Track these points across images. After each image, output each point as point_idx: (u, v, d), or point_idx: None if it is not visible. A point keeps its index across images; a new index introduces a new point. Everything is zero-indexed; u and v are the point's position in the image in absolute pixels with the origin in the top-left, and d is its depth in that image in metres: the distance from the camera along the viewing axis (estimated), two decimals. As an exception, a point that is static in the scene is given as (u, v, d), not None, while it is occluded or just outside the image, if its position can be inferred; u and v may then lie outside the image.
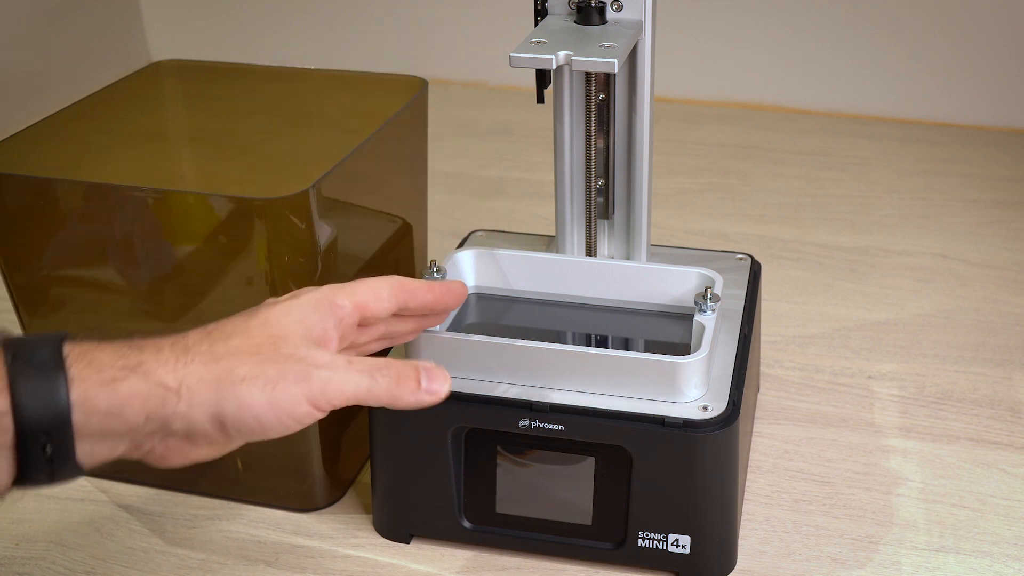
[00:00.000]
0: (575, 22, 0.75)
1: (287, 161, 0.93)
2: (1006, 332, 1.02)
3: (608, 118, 0.80)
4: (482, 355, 0.72)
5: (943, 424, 0.90)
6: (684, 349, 0.75)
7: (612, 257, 0.85)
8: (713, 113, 1.55)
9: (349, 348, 0.64)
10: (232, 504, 0.82)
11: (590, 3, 0.74)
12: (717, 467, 0.70)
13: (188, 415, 0.53)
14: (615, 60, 0.68)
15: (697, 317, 0.74)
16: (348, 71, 0.94)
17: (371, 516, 0.80)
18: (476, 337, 0.73)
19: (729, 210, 1.26)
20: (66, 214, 0.75)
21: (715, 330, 0.74)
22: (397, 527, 0.78)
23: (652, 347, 0.77)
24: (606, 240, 0.85)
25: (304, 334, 0.57)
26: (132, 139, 0.93)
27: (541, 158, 1.38)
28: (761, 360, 0.96)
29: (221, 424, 0.54)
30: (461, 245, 0.88)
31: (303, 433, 0.78)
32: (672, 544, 0.72)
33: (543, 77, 0.75)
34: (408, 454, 0.74)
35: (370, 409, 0.75)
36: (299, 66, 0.96)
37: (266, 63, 0.97)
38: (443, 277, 0.78)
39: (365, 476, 0.84)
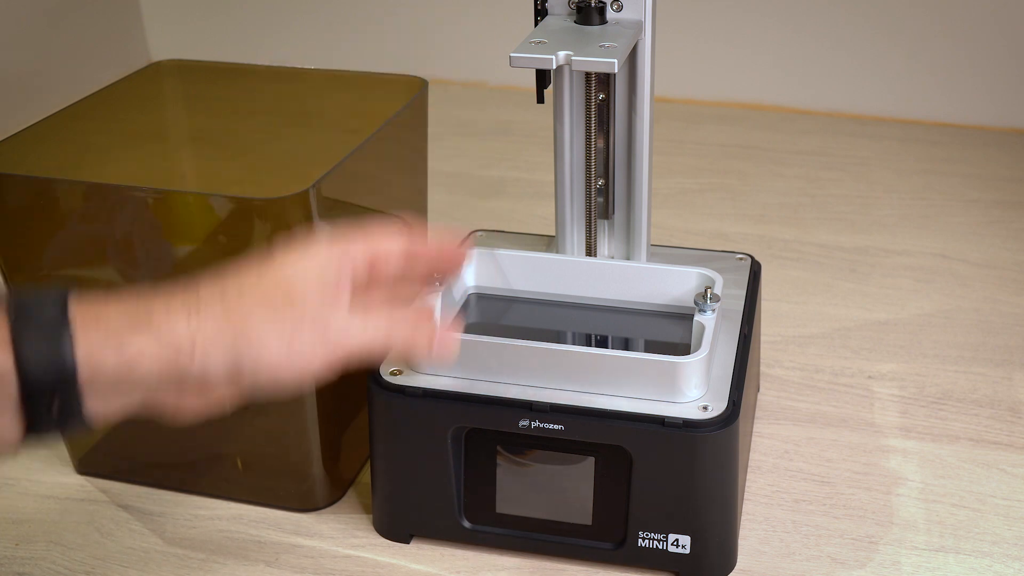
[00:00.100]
0: (575, 22, 0.75)
1: (287, 161, 0.93)
2: (1006, 332, 1.02)
3: (608, 118, 0.80)
4: (482, 355, 0.72)
5: (943, 424, 0.90)
6: (684, 349, 0.75)
7: (612, 257, 0.85)
8: (713, 113, 1.55)
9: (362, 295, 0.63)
10: (232, 504, 0.82)
11: (590, 3, 0.74)
12: (717, 467, 0.70)
13: (201, 374, 0.53)
14: (615, 60, 0.68)
15: (697, 317, 0.74)
16: (348, 71, 0.94)
17: (371, 516, 0.80)
18: (476, 337, 0.73)
19: (729, 210, 1.26)
20: (66, 214, 0.75)
21: (715, 330, 0.74)
22: (397, 527, 0.78)
23: (652, 347, 0.77)
24: (606, 240, 0.85)
25: (320, 283, 0.57)
26: (132, 139, 0.93)
27: (541, 158, 1.38)
28: (761, 360, 0.96)
29: (236, 381, 0.54)
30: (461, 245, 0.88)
31: (303, 433, 0.78)
32: (672, 544, 0.72)
33: (543, 77, 0.75)
34: (408, 454, 0.74)
35: (370, 409, 0.75)
36: (299, 66, 0.96)
37: (266, 63, 0.97)
38: (443, 277, 0.78)
39: (365, 476, 0.84)
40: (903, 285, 1.10)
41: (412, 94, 0.87)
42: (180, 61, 0.97)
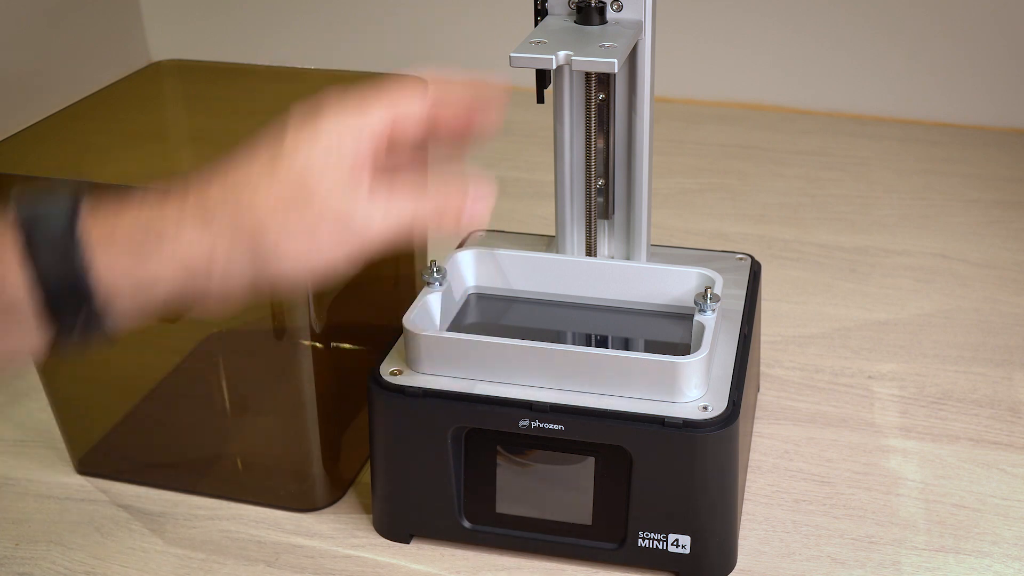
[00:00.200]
0: (575, 22, 0.75)
1: (287, 161, 0.93)
2: (1006, 332, 1.02)
3: (608, 118, 0.80)
4: (482, 355, 0.72)
5: (943, 424, 0.90)
6: (684, 349, 0.75)
7: (612, 257, 0.85)
8: (713, 113, 1.54)
9: (384, 162, 0.58)
10: (232, 504, 0.82)
11: (590, 3, 0.74)
12: (717, 467, 0.70)
13: (225, 280, 0.51)
14: (615, 60, 0.68)
15: (697, 317, 0.74)
16: (348, 71, 0.94)
17: (371, 516, 0.80)
18: (476, 337, 0.73)
19: (729, 210, 1.26)
20: (66, 214, 0.75)
21: (715, 330, 0.74)
22: (397, 527, 0.78)
23: (652, 347, 0.77)
24: (606, 240, 0.85)
25: (336, 167, 0.53)
26: (132, 139, 0.93)
27: (541, 158, 1.38)
28: (761, 360, 0.96)
29: (259, 280, 0.52)
30: (461, 245, 0.88)
31: (303, 433, 0.78)
32: (672, 544, 0.72)
33: (543, 77, 0.75)
34: (408, 454, 0.74)
35: (370, 409, 0.75)
36: (299, 66, 0.96)
37: (266, 63, 0.97)
38: (443, 277, 0.78)
39: (365, 476, 0.84)
40: (903, 285, 1.10)
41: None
42: (180, 61, 0.97)
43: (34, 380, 0.86)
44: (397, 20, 1.64)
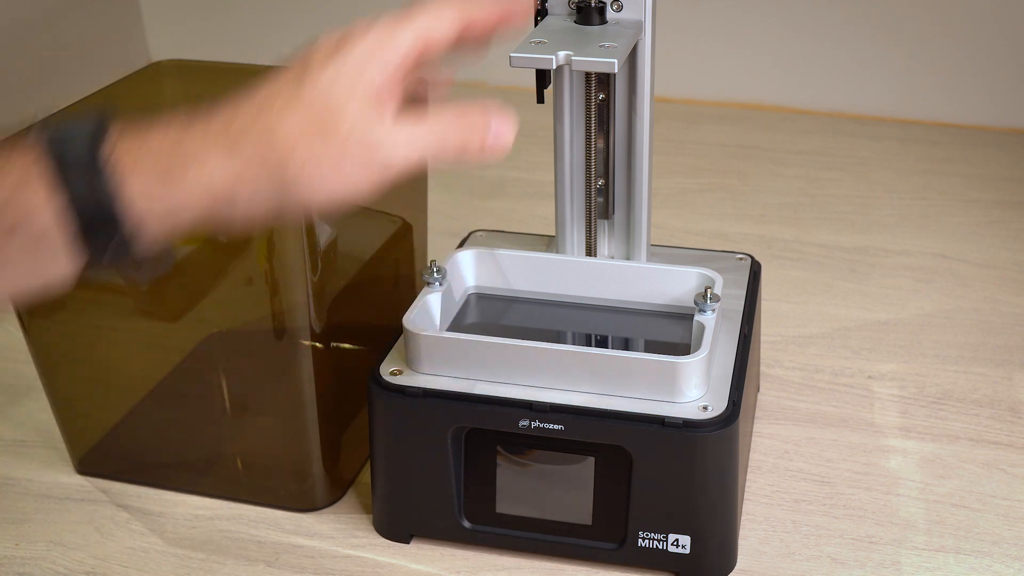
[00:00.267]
0: (575, 22, 0.75)
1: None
2: (1006, 332, 1.02)
3: (608, 118, 0.80)
4: (482, 355, 0.72)
5: (943, 424, 0.90)
6: (684, 349, 0.75)
7: (612, 257, 0.85)
8: (713, 113, 1.54)
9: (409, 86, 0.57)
10: (232, 504, 0.82)
11: (590, 3, 0.74)
12: (717, 467, 0.70)
13: (251, 206, 0.51)
14: (615, 60, 0.68)
15: (697, 317, 0.74)
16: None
17: (371, 516, 0.80)
18: (476, 337, 0.73)
19: (729, 210, 1.26)
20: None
21: (715, 330, 0.74)
22: (397, 527, 0.78)
23: (652, 347, 0.77)
24: (606, 240, 0.85)
25: (363, 92, 0.52)
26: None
27: (541, 158, 1.38)
28: (761, 360, 0.96)
29: (282, 210, 0.52)
30: (461, 245, 0.88)
31: (303, 433, 0.78)
32: (672, 544, 0.72)
33: (543, 77, 0.75)
34: (408, 454, 0.74)
35: (370, 409, 0.75)
36: (299, 66, 0.96)
37: (266, 63, 0.97)
38: (443, 277, 0.78)
39: (365, 476, 0.84)
40: (903, 285, 1.10)
41: (412, 94, 0.87)
42: (180, 61, 0.97)
43: (34, 380, 0.86)
44: (397, 20, 1.64)
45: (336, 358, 0.79)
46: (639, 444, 0.70)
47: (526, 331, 0.79)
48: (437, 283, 0.78)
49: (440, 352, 0.73)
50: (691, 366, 0.70)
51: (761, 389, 0.94)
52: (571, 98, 0.79)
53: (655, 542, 0.72)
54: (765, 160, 1.40)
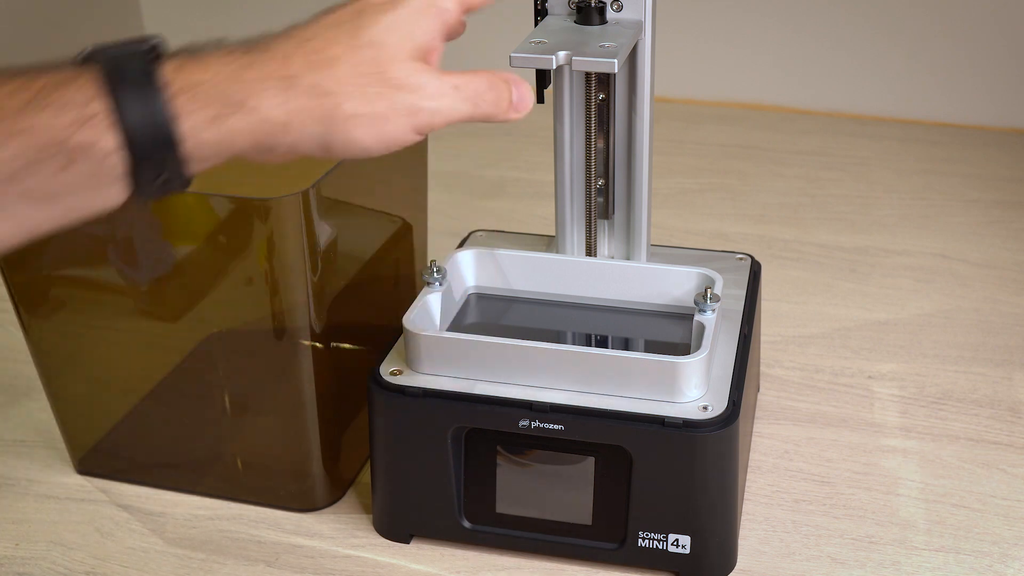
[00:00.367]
0: (575, 22, 0.75)
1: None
2: (1006, 332, 1.02)
3: (608, 118, 0.80)
4: (482, 355, 0.72)
5: (943, 424, 0.90)
6: (684, 349, 0.75)
7: (612, 257, 0.85)
8: (713, 113, 1.54)
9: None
10: (232, 504, 0.82)
11: (590, 3, 0.74)
12: (717, 467, 0.70)
13: (295, 146, 0.53)
14: (615, 60, 0.68)
15: (697, 317, 0.74)
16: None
17: (371, 516, 0.80)
18: (476, 337, 0.73)
19: (729, 210, 1.26)
20: (66, 214, 0.75)
21: (715, 330, 0.74)
22: (397, 527, 0.78)
23: (652, 347, 0.77)
24: (606, 240, 0.85)
25: (411, 50, 0.55)
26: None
27: (541, 158, 1.38)
28: (761, 360, 0.96)
29: (327, 151, 0.54)
30: (461, 245, 0.88)
31: (303, 433, 0.78)
32: (672, 544, 0.72)
33: (543, 77, 0.75)
34: (408, 454, 0.74)
35: (370, 409, 0.75)
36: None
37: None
38: (443, 277, 0.78)
39: (365, 476, 0.84)
40: (903, 285, 1.10)
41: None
42: (180, 61, 0.96)
43: (34, 380, 0.86)
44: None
45: (336, 358, 0.79)
46: (639, 444, 0.70)
47: (526, 331, 0.79)
48: (437, 283, 0.78)
49: (440, 352, 0.73)
50: (691, 366, 0.70)
51: (761, 389, 0.94)
52: (571, 98, 0.79)
53: (655, 542, 0.72)
54: (765, 160, 1.40)
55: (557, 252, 0.85)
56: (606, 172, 0.82)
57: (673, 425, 0.69)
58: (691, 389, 0.70)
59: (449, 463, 0.74)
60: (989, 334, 1.02)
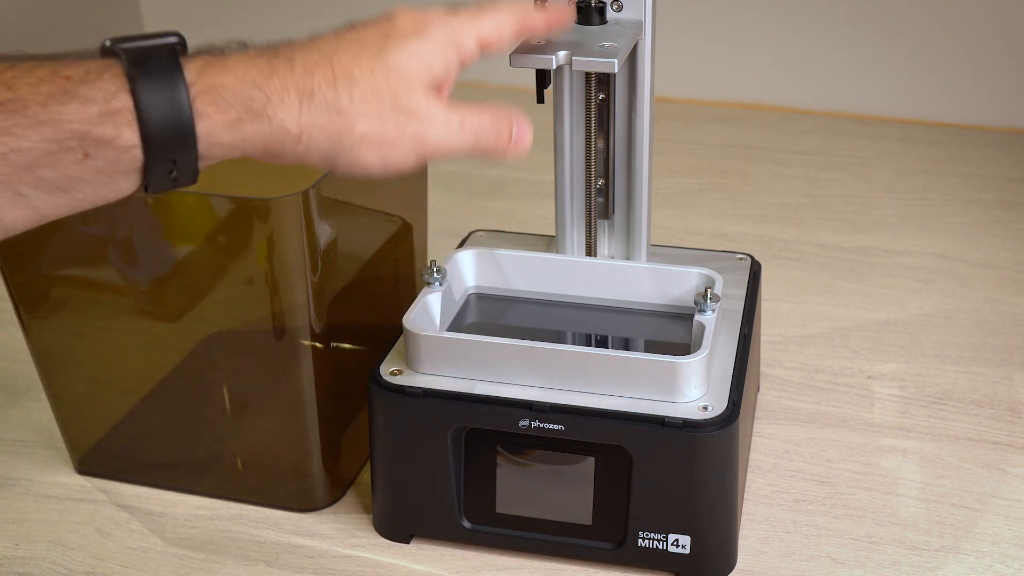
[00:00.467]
0: (575, 22, 0.75)
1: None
2: (1006, 332, 1.02)
3: (608, 118, 0.80)
4: (482, 355, 0.72)
5: (943, 424, 0.90)
6: (684, 349, 0.75)
7: (612, 257, 0.85)
8: (713, 113, 1.55)
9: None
10: (232, 504, 0.82)
11: (590, 3, 0.74)
12: (717, 467, 0.70)
13: (303, 156, 0.55)
14: (615, 60, 0.68)
15: (697, 317, 0.74)
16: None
17: (371, 516, 0.80)
18: (476, 337, 0.73)
19: (729, 210, 1.26)
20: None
21: (715, 330, 0.74)
22: (397, 527, 0.78)
23: (652, 347, 0.77)
24: (606, 240, 0.85)
25: (427, 80, 0.57)
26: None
27: (541, 158, 1.37)
28: (761, 360, 0.96)
29: (331, 166, 0.56)
30: (461, 245, 0.88)
31: (303, 433, 0.78)
32: (672, 544, 0.72)
33: (543, 77, 0.75)
34: (408, 454, 0.74)
35: (370, 409, 0.75)
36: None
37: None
38: (443, 277, 0.78)
39: (365, 476, 0.84)
40: (903, 285, 1.10)
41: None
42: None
43: (34, 380, 0.86)
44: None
45: (336, 358, 0.79)
46: (639, 444, 0.70)
47: (526, 331, 0.79)
48: (437, 283, 0.78)
49: (440, 352, 0.73)
50: (691, 366, 0.70)
51: (761, 389, 0.94)
52: (571, 98, 0.79)
53: (655, 542, 0.72)
54: (765, 160, 1.40)
55: (557, 252, 0.85)
56: (606, 172, 0.82)
57: (673, 425, 0.69)
58: (691, 389, 0.70)
59: (449, 463, 0.74)
60: (989, 334, 1.02)
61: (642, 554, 0.73)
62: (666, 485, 0.71)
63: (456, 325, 0.79)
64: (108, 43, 0.51)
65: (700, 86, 1.58)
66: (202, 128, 0.51)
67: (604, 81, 0.79)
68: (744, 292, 0.83)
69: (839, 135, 1.47)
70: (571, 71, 0.78)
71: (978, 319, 1.04)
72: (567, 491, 0.74)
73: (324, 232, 0.74)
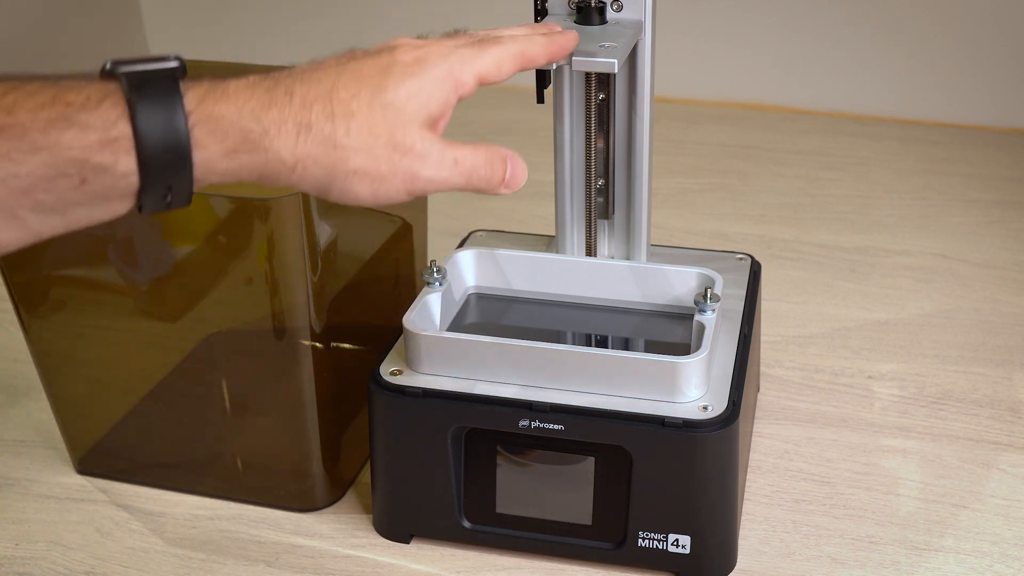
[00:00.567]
0: (575, 22, 0.75)
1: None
2: (1006, 332, 1.02)
3: (608, 118, 0.80)
4: (482, 355, 0.72)
5: (943, 424, 0.90)
6: (684, 349, 0.75)
7: (612, 257, 0.85)
8: (713, 113, 1.55)
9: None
10: (232, 504, 0.82)
11: (590, 3, 0.74)
12: (717, 467, 0.70)
13: (297, 184, 0.55)
14: (615, 60, 0.68)
15: (697, 317, 0.74)
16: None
17: (371, 516, 0.80)
18: (476, 337, 0.73)
19: (729, 210, 1.26)
20: (66, 214, 0.75)
21: (715, 330, 0.74)
22: (397, 527, 0.78)
23: (652, 347, 0.77)
24: (606, 240, 0.85)
25: (424, 118, 0.57)
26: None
27: (541, 158, 1.37)
28: (761, 360, 0.96)
29: (323, 195, 0.56)
30: (461, 245, 0.88)
31: (303, 433, 0.78)
32: (672, 544, 0.72)
33: (543, 77, 0.75)
34: (408, 454, 0.74)
35: (370, 409, 0.75)
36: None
37: (266, 63, 0.97)
38: (443, 277, 0.78)
39: (365, 476, 0.84)
40: (903, 285, 1.10)
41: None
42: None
43: (34, 380, 0.86)
44: (396, 21, 1.64)
45: (336, 358, 0.79)
46: (639, 444, 0.70)
47: (526, 331, 0.79)
48: (437, 283, 0.78)
49: (440, 352, 0.73)
50: (691, 366, 0.70)
51: (761, 389, 0.94)
52: (571, 98, 0.79)
53: (655, 542, 0.72)
54: (765, 160, 1.40)
55: (557, 252, 0.85)
56: (606, 172, 0.82)
57: (673, 425, 0.69)
58: (691, 389, 0.70)
59: (449, 463, 0.74)
60: (989, 334, 1.02)
61: (642, 554, 0.73)
62: (666, 485, 0.71)
63: (456, 325, 0.79)
64: (109, 65, 0.51)
65: (700, 86, 1.58)
66: (199, 157, 0.51)
67: (604, 81, 0.79)
68: (744, 292, 0.83)
69: (839, 135, 1.47)
70: (571, 71, 0.78)
71: (978, 319, 1.04)
72: (567, 491, 0.74)
73: (324, 232, 0.74)
